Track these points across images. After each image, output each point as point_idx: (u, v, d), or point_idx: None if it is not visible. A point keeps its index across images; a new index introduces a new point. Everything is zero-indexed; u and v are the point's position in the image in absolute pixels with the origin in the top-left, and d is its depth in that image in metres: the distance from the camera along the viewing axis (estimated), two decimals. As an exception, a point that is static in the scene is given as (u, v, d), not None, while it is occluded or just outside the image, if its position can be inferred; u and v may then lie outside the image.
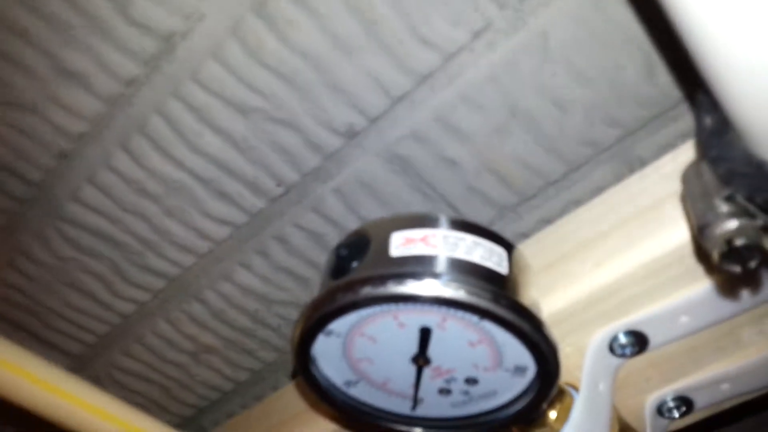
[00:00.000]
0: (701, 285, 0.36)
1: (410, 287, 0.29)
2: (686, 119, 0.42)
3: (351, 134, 0.46)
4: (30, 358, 0.37)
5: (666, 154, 0.40)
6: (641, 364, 0.40)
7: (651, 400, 0.41)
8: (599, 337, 0.38)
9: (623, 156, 0.45)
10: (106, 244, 0.55)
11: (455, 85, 0.42)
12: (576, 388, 0.38)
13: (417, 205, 0.49)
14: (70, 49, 0.43)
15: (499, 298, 0.30)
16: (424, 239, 0.31)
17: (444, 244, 0.31)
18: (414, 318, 0.31)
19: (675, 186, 0.32)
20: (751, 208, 0.23)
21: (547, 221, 0.48)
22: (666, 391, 0.41)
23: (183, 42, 0.42)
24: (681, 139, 0.43)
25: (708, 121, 0.24)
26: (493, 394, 0.35)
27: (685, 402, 0.41)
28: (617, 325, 0.38)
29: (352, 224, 0.51)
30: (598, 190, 0.45)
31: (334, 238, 0.52)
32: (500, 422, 0.35)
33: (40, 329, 0.62)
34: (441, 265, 0.30)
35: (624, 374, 0.41)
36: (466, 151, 0.45)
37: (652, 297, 0.37)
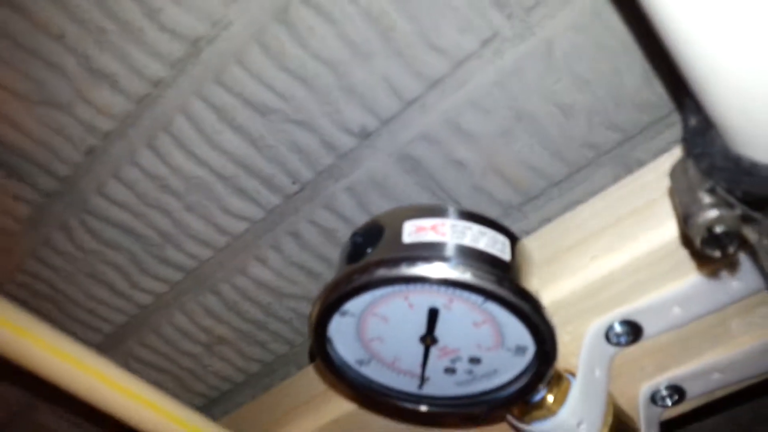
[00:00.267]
0: (692, 277, 0.38)
1: (421, 269, 0.32)
2: (681, 125, 0.45)
3: (364, 135, 0.48)
4: (64, 339, 0.40)
5: (661, 157, 0.42)
6: (636, 354, 0.42)
7: (645, 389, 0.43)
8: (596, 326, 0.41)
9: (623, 159, 0.47)
10: (128, 236, 0.57)
11: (464, 90, 0.44)
12: (574, 374, 0.41)
13: (425, 204, 0.51)
14: (102, 52, 0.46)
15: (502, 281, 0.32)
16: (434, 227, 0.34)
17: (452, 232, 0.34)
18: (423, 299, 0.34)
19: (668, 186, 0.35)
20: (731, 199, 0.25)
21: (550, 220, 0.49)
22: (659, 380, 0.43)
23: (209, 46, 0.45)
24: (676, 143, 0.45)
25: (693, 121, 0.27)
26: (494, 373, 0.37)
27: (677, 391, 0.43)
28: (613, 315, 0.40)
29: (363, 221, 0.53)
30: (599, 191, 0.47)
31: (346, 234, 0.54)
32: (501, 401, 0.38)
33: (59, 318, 0.64)
34: (449, 251, 0.33)
35: (619, 363, 0.43)
36: (473, 153, 0.47)
37: (646, 289, 0.39)
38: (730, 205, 0.25)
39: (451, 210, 0.35)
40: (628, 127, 0.45)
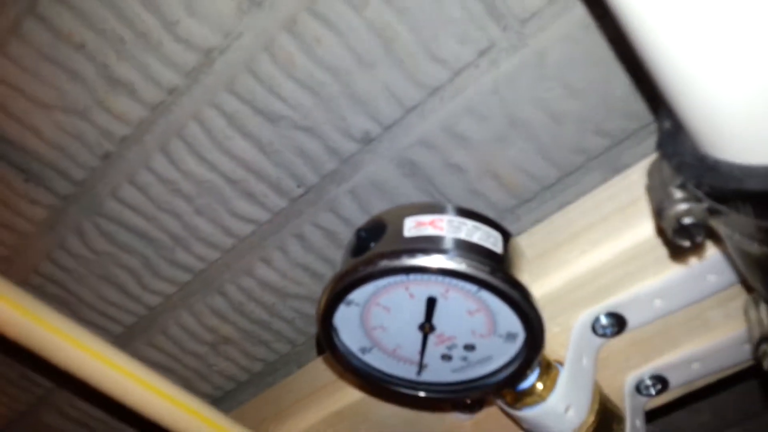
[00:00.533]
0: (673, 271, 0.41)
1: (420, 260, 0.35)
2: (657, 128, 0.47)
3: (366, 140, 0.50)
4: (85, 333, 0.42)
5: (645, 159, 0.45)
6: (621, 345, 0.45)
7: (630, 379, 0.46)
8: (583, 317, 0.43)
9: (611, 163, 0.49)
10: (140, 239, 0.59)
11: (461, 97, 0.47)
12: (562, 364, 0.43)
13: (424, 206, 0.53)
14: (120, 61, 0.48)
15: (495, 271, 0.35)
16: (432, 223, 0.37)
17: (449, 227, 0.37)
18: (422, 289, 0.37)
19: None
20: (699, 193, 0.28)
21: (541, 222, 0.52)
22: (644, 370, 0.46)
23: (221, 57, 0.47)
24: (659, 148, 0.48)
25: (666, 125, 0.30)
26: (488, 359, 0.40)
27: (660, 380, 0.46)
28: (599, 308, 0.43)
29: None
30: (588, 193, 0.49)
31: (348, 236, 0.56)
32: (493, 386, 0.41)
33: (71, 319, 0.66)
34: (446, 244, 0.36)
35: (605, 355, 0.46)
36: (470, 158, 0.50)
37: (630, 282, 0.42)
38: (698, 199, 0.28)
39: (448, 207, 0.38)
40: (616, 133, 0.47)
